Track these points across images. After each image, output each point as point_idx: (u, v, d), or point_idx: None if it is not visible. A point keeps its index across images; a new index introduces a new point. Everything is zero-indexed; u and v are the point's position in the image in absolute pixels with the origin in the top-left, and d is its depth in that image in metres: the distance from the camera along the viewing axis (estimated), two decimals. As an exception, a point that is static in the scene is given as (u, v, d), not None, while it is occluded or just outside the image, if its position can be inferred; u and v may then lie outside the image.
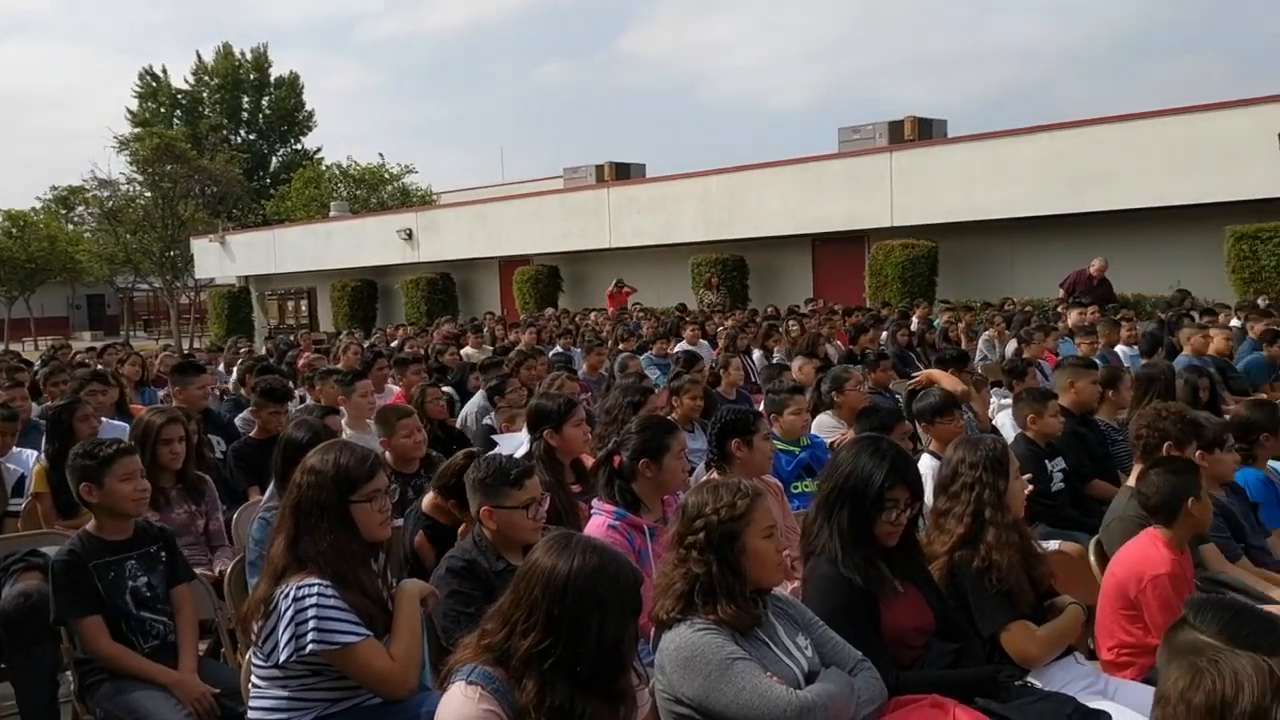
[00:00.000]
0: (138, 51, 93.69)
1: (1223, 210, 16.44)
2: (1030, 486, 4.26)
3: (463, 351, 13.13)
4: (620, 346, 12.37)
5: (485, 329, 17.58)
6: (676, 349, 11.74)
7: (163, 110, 51.36)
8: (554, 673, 2.35)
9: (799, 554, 3.56)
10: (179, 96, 51.93)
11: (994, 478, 3.64)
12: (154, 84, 51.85)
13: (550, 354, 11.85)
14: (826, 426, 6.64)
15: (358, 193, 43.89)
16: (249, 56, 52.82)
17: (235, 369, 11.60)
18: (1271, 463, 5.48)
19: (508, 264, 28.05)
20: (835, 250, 22.27)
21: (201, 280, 38.16)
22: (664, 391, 7.40)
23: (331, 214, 36.83)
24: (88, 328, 50.92)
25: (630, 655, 2.45)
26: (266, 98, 53.07)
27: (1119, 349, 10.55)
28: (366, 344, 15.05)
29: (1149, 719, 1.89)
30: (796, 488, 5.57)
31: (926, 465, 5.43)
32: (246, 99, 52.70)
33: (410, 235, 29.58)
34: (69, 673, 4.13)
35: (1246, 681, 1.72)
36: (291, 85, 53.47)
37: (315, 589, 3.01)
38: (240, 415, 7.76)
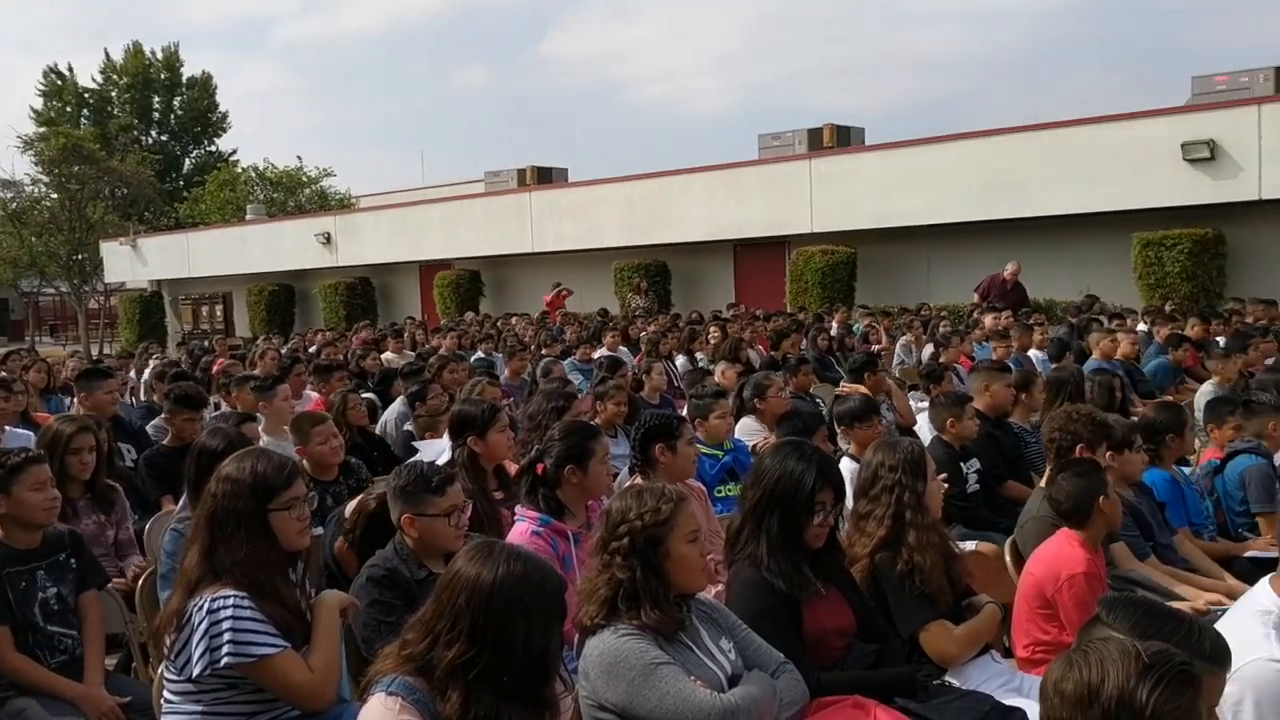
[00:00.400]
0: (41, 50, 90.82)
1: (1130, 218, 16.93)
2: (946, 488, 4.33)
3: (383, 357, 13.00)
4: (543, 351, 12.34)
5: (406, 334, 17.40)
6: (599, 354, 11.74)
7: (69, 109, 49.85)
8: (479, 683, 2.32)
9: (723, 558, 3.58)
10: (86, 96, 50.45)
11: (913, 480, 3.71)
12: (59, 82, 50.30)
13: (472, 359, 11.77)
14: (749, 430, 6.70)
15: (274, 196, 43.05)
16: (160, 56, 51.57)
17: (145, 374, 11.33)
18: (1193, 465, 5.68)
19: (428, 268, 27.80)
20: (757, 256, 22.47)
21: (111, 284, 37.12)
22: (588, 396, 7.40)
23: (248, 217, 36.12)
24: (-10, 333, 49.26)
25: (556, 663, 2.43)
26: (179, 98, 51.84)
27: (1031, 353, 10.81)
28: (284, 349, 14.81)
29: None
30: (720, 491, 5.60)
31: (846, 468, 5.51)
32: (158, 99, 51.41)
33: (329, 239, 29.16)
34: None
35: (1111, 667, 1.75)
36: (204, 85, 52.31)
37: (230, 600, 2.94)
38: (152, 422, 7.57)
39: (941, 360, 9.73)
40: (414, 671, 2.37)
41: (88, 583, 3.96)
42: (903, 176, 19.32)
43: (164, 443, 6.44)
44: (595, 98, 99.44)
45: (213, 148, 53.04)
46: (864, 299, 19.36)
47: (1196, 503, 5.48)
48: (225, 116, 53.37)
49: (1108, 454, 4.86)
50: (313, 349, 15.70)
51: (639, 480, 4.52)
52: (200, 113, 52.11)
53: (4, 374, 9.92)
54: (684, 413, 6.18)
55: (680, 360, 11.86)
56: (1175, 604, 3.45)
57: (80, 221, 35.27)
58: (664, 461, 4.63)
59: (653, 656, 2.76)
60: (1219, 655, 2.02)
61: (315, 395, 8.76)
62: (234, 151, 52.32)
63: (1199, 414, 7.53)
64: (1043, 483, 4.76)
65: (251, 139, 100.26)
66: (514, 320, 19.47)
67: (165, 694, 3.04)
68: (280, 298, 30.83)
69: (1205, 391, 8.13)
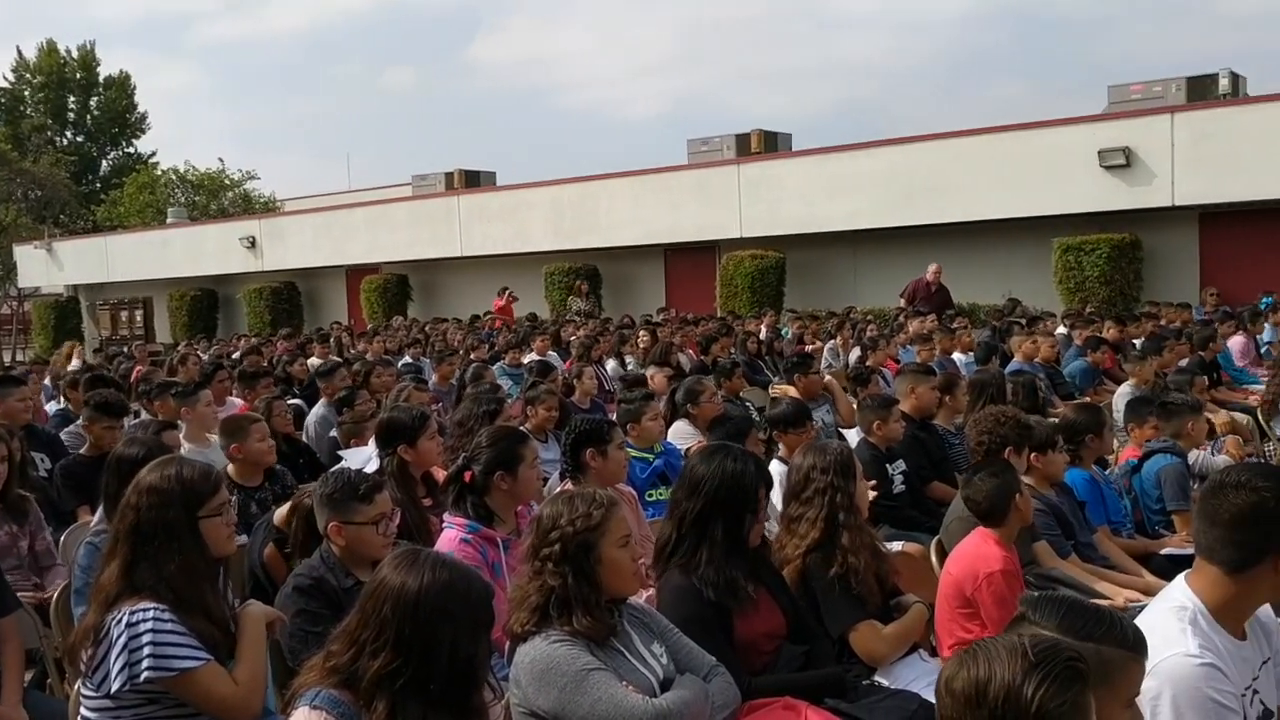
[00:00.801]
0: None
1: (1050, 223, 17.32)
2: (874, 494, 4.39)
3: (309, 362, 12.79)
4: (472, 356, 12.26)
5: (333, 339, 17.17)
6: (529, 359, 11.69)
7: (-21, 109, 48.39)
8: (406, 693, 2.29)
9: (653, 564, 3.58)
10: (-2, 95, 49.01)
11: (845, 482, 3.75)
12: (-32, 81, 48.81)
13: (400, 364, 11.65)
14: (683, 435, 6.70)
15: (196, 199, 42.22)
16: (75, 54, 50.24)
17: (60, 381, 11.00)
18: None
19: (355, 272, 27.47)
20: (687, 260, 22.57)
21: (25, 289, 36.08)
22: (517, 402, 7.36)
23: (169, 221, 35.32)
24: (-104, 340, 47.51)
25: (484, 671, 2.41)
26: (95, 98, 50.51)
27: (955, 356, 10.99)
28: (207, 355, 14.51)
29: None
30: (651, 495, 5.60)
31: (775, 471, 5.55)
32: (73, 99, 50.02)
33: (253, 243, 28.65)
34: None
35: (998, 665, 1.76)
36: (122, 85, 51.04)
37: (150, 613, 2.87)
38: (67, 430, 7.36)
39: (868, 363, 9.85)
40: (339, 684, 2.34)
41: (5, 608, 3.81)
42: (829, 182, 19.54)
43: (82, 451, 6.27)
44: (523, 102, 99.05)
45: (131, 149, 51.77)
46: (793, 303, 19.54)
47: (1115, 501, 5.61)
48: (144, 117, 52.16)
49: (1032, 455, 4.97)
50: (236, 355, 15.41)
51: (569, 486, 4.51)
52: (118, 113, 50.84)
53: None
54: (614, 417, 6.17)
55: (611, 365, 11.86)
56: (1096, 600, 3.53)
57: (-9, 224, 34.25)
58: (595, 466, 4.62)
59: (584, 663, 2.76)
60: (1139, 644, 2.06)
61: (239, 402, 8.60)
62: (153, 153, 51.11)
63: (1117, 414, 7.72)
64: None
65: (172, 141, 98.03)
66: (442, 325, 19.32)
67: (83, 711, 2.94)
68: (203, 303, 30.23)
69: (1123, 393, 8.33)
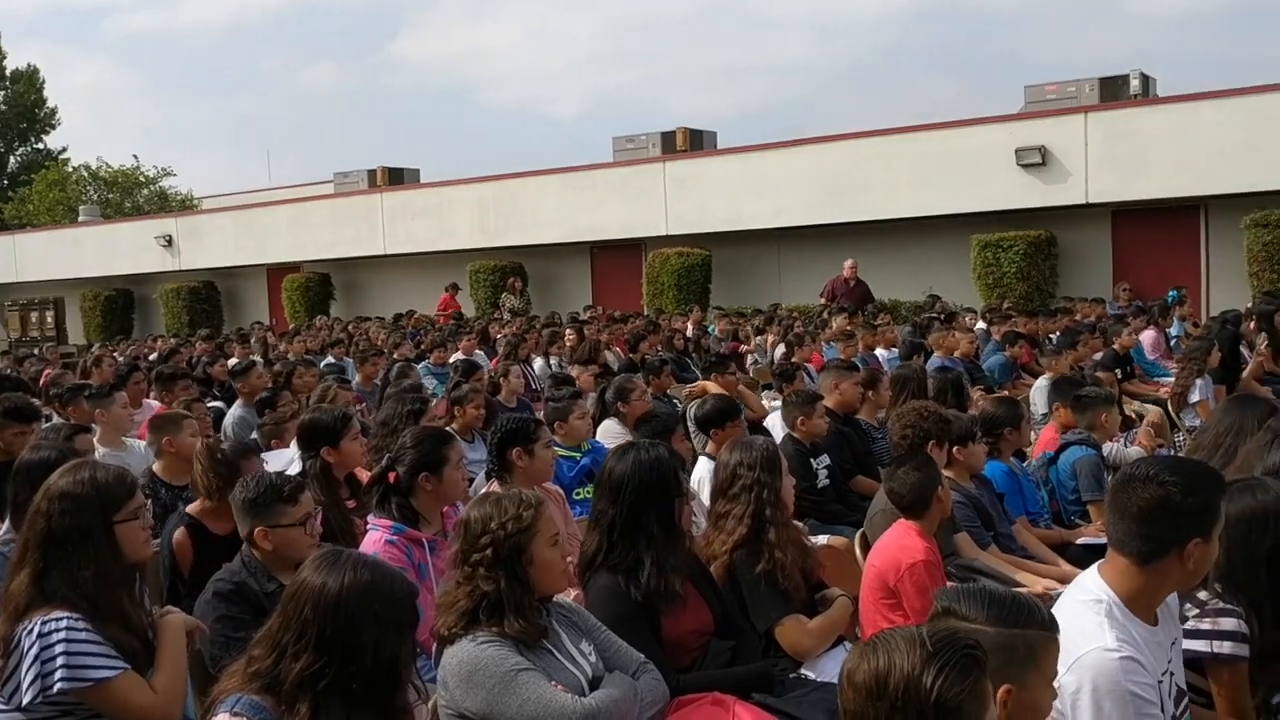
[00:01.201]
0: None
1: (969, 221, 17.64)
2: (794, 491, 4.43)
3: (230, 364, 12.53)
4: (395, 355, 12.13)
5: (255, 339, 16.86)
6: (454, 358, 11.59)
7: (-122, 103, 46.64)
8: (329, 694, 2.27)
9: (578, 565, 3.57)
10: (-103, 88, 47.28)
11: (771, 478, 3.78)
12: None
13: (322, 364, 11.48)
14: (612, 433, 6.69)
15: (110, 196, 41.15)
16: (-21, 47, 48.64)
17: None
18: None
19: (276, 271, 26.98)
20: (613, 258, 22.57)
21: (-72, 290, 34.90)
22: (442, 401, 7.29)
23: (81, 219, 34.37)
24: None
25: (407, 671, 2.39)
26: (1, 92, 49.01)
27: (878, 352, 11.15)
28: (122, 356, 14.16)
29: None
30: (579, 494, 5.59)
31: (704, 468, 5.58)
32: (-22, 93, 48.53)
33: (170, 242, 28.01)
34: None
35: (898, 656, 1.78)
36: (31, 79, 49.48)
37: (64, 623, 2.79)
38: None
39: (793, 360, 9.95)
40: (260, 689, 2.30)
41: None
42: (753, 180, 19.69)
43: (-12, 458, 6.06)
44: (448, 99, 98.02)
45: (40, 145, 50.27)
46: (719, 300, 19.64)
47: (1033, 493, 5.75)
48: (54, 112, 50.61)
49: (955, 448, 5.07)
50: (153, 356, 15.06)
51: (496, 486, 4.49)
52: (26, 108, 49.26)
53: None
54: (541, 416, 6.15)
55: (538, 363, 11.81)
56: (1016, 590, 3.61)
57: (-108, 222, 33.03)
58: (521, 466, 4.60)
59: (513, 663, 2.74)
60: (1055, 624, 2.13)
61: (156, 404, 8.40)
62: (64, 149, 49.67)
63: (1035, 407, 7.90)
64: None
65: (83, 136, 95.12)
66: (366, 324, 19.08)
67: (-8, 725, 2.87)
68: (118, 303, 29.45)
69: (1040, 386, 8.53)
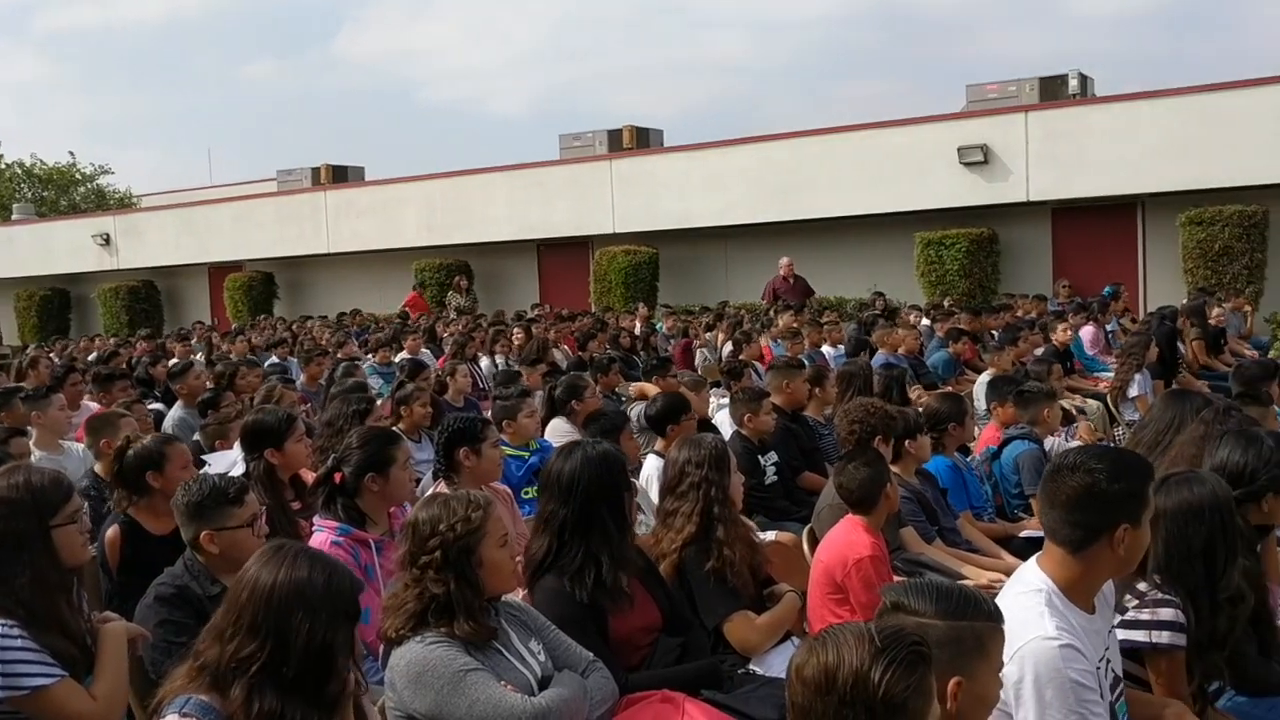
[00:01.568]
0: None
1: (912, 218, 17.84)
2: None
3: (171, 364, 12.32)
4: (339, 354, 12.01)
5: (197, 338, 16.60)
6: (399, 357, 11.50)
7: None
8: (260, 677, 2.27)
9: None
10: None
11: (719, 475, 3.80)
12: None
13: (266, 364, 11.33)
14: (561, 432, 6.67)
15: (45, 194, 40.32)
16: (-92, 42, 47.46)
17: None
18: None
19: (218, 270, 26.58)
20: (560, 256, 22.52)
21: None
22: (387, 401, 7.23)
23: (14, 217, 33.63)
24: None
25: (342, 661, 2.37)
26: (-69, 88, 47.88)
27: (824, 349, 11.23)
28: (59, 357, 13.87)
29: None
30: (527, 493, 5.56)
31: (653, 466, 5.59)
32: (-93, 88, 47.33)
33: (108, 240, 27.47)
34: None
35: (846, 651, 1.81)
36: (-39, 75, 48.48)
37: (-1, 630, 2.73)
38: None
39: (741, 357, 9.99)
40: (209, 687, 2.28)
41: None
42: (700, 178, 19.74)
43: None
44: (392, 96, 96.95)
45: (-29, 142, 49.15)
46: (666, 298, 19.68)
47: (977, 487, 5.83)
48: (-15, 109, 49.57)
49: (905, 442, 5.13)
50: (91, 356, 14.77)
51: (443, 486, 4.46)
52: (-44, 104, 48.16)
53: None
54: (489, 415, 6.12)
55: (485, 362, 11.75)
56: (963, 583, 3.66)
57: None
58: (469, 465, 4.57)
59: (461, 664, 2.73)
60: (1000, 615, 2.18)
61: (95, 406, 8.23)
62: (-3, 146, 48.63)
63: (978, 403, 8.00)
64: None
65: (16, 134, 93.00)
66: (310, 323, 18.86)
67: (-75, 737, 2.80)
68: (54, 303, 28.81)
69: (983, 381, 8.64)
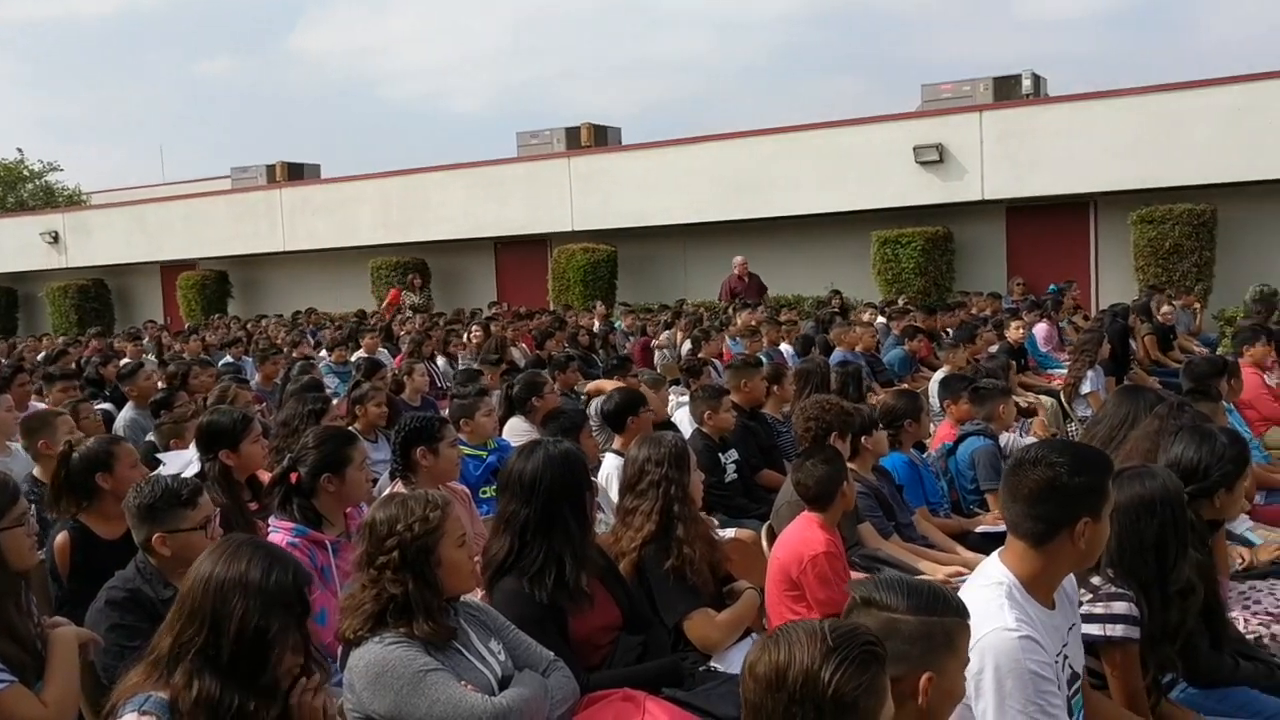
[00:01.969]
0: None
1: (869, 217, 17.97)
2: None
3: (123, 364, 12.14)
4: (294, 353, 11.89)
5: (148, 338, 16.37)
6: (356, 356, 11.40)
7: None
8: (199, 661, 2.28)
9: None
10: None
11: (679, 473, 3.80)
12: None
13: (220, 363, 11.20)
14: (520, 431, 6.64)
15: (-9, 191, 39.60)
16: None
17: None
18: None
19: (170, 269, 26.24)
20: (518, 254, 22.45)
21: None
22: (343, 401, 7.17)
23: (-40, 214, 33.02)
24: None
25: (280, 650, 2.35)
26: (-127, 82, 46.82)
27: (783, 347, 11.28)
28: (6, 357, 13.62)
29: None
30: (485, 493, 5.54)
31: (612, 464, 5.58)
32: None
33: (56, 238, 27.02)
34: None
35: (798, 649, 1.82)
36: (-95, 69, 47.46)
37: (-54, 637, 2.68)
38: None
39: (700, 355, 10.01)
40: (165, 684, 2.27)
41: None
42: (658, 176, 19.76)
43: None
44: (348, 93, 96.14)
45: (-84, 138, 48.14)
46: (624, 296, 19.69)
47: (933, 483, 5.88)
48: (-70, 104, 48.57)
49: (863, 438, 5.16)
50: (40, 356, 14.51)
51: (400, 486, 4.43)
52: (-100, 99, 47.15)
53: None
54: (446, 414, 6.08)
55: (441, 361, 11.69)
56: (920, 578, 3.70)
57: None
58: (426, 465, 4.54)
59: (421, 664, 2.71)
60: (967, 610, 2.21)
61: (43, 406, 8.09)
62: (-59, 142, 47.63)
63: (933, 399, 8.07)
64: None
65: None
66: (265, 322, 18.66)
67: None
68: (0, 302, 28.37)
69: (938, 379, 8.71)
